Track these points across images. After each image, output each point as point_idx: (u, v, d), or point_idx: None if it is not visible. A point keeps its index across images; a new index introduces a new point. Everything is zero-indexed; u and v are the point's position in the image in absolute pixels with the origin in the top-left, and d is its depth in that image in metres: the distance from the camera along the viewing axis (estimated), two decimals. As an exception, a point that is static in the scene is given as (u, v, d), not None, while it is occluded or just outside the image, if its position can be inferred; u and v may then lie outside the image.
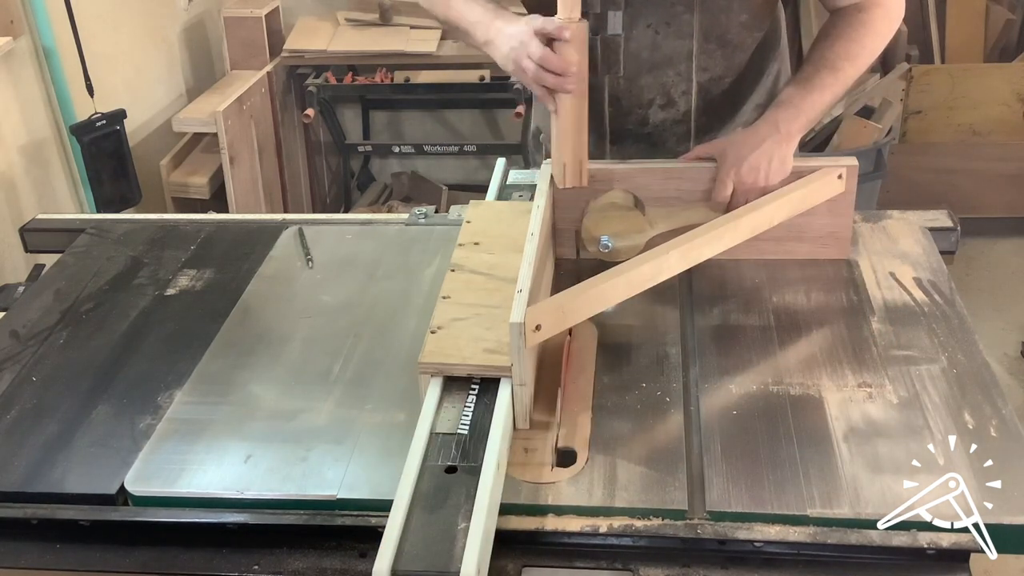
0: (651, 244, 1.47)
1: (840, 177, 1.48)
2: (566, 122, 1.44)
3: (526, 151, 3.74)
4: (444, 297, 1.34)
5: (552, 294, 1.40)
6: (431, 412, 1.19)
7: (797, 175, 1.48)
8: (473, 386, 1.23)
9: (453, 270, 1.40)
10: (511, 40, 1.41)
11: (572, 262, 1.58)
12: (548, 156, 1.66)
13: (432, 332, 1.27)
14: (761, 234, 1.48)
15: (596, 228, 1.50)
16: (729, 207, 1.48)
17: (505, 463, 1.15)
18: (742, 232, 1.45)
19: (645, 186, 1.52)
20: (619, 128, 1.65)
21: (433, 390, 1.22)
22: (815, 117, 1.51)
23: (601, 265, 1.40)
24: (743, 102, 1.65)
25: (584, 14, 1.50)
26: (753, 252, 1.51)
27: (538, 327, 1.20)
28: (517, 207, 1.56)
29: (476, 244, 1.46)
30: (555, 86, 1.38)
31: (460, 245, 1.46)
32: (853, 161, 1.49)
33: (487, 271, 1.39)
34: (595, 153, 1.69)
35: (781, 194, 1.47)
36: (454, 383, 1.23)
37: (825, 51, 1.51)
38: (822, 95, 1.49)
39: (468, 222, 1.53)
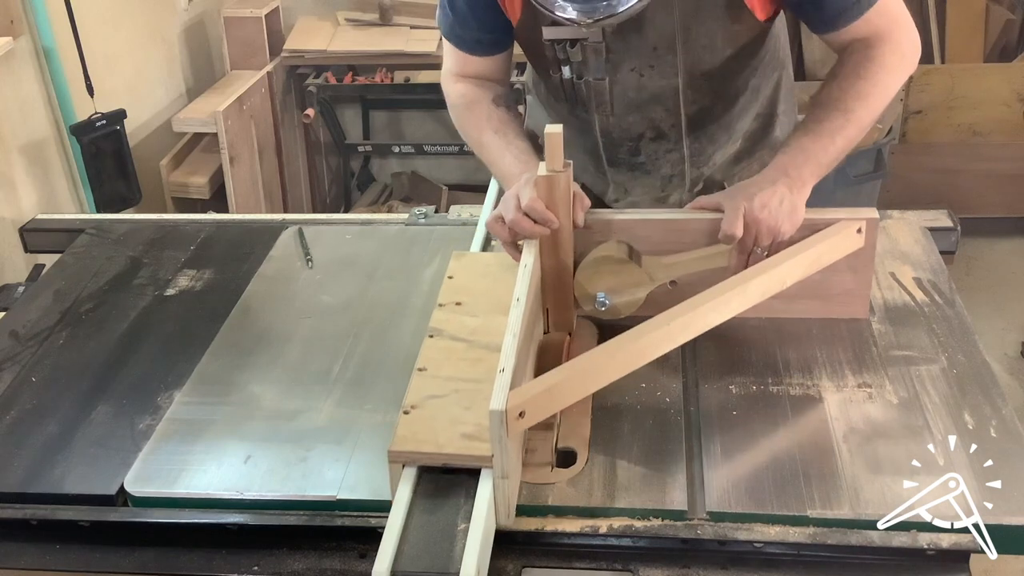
0: (651, 298, 1.36)
1: (859, 231, 1.34)
2: (549, 269, 1.35)
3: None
4: (420, 369, 1.23)
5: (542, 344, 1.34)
6: (402, 509, 1.06)
7: (812, 229, 1.33)
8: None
9: (431, 336, 1.30)
10: (501, 203, 1.37)
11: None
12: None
13: (405, 412, 1.15)
14: None
15: (590, 284, 1.37)
16: (738, 248, 1.32)
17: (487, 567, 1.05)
18: (751, 296, 1.29)
19: (645, 238, 1.37)
20: (613, 156, 1.63)
21: (405, 485, 1.09)
22: (828, 163, 1.36)
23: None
24: (737, 121, 1.61)
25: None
26: (761, 311, 1.34)
27: (522, 414, 1.07)
28: (504, 260, 1.40)
29: (458, 304, 1.36)
30: (529, 234, 1.32)
31: (440, 306, 1.36)
32: (873, 213, 1.35)
33: (468, 337, 1.28)
34: (594, 174, 1.68)
35: (794, 252, 1.31)
36: (429, 472, 1.12)
37: (833, 91, 1.39)
38: (832, 139, 1.36)
39: (450, 278, 1.42)
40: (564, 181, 1.29)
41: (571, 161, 1.30)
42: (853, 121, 1.36)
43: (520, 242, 1.33)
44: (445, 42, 1.60)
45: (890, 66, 1.38)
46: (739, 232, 1.29)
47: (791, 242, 1.32)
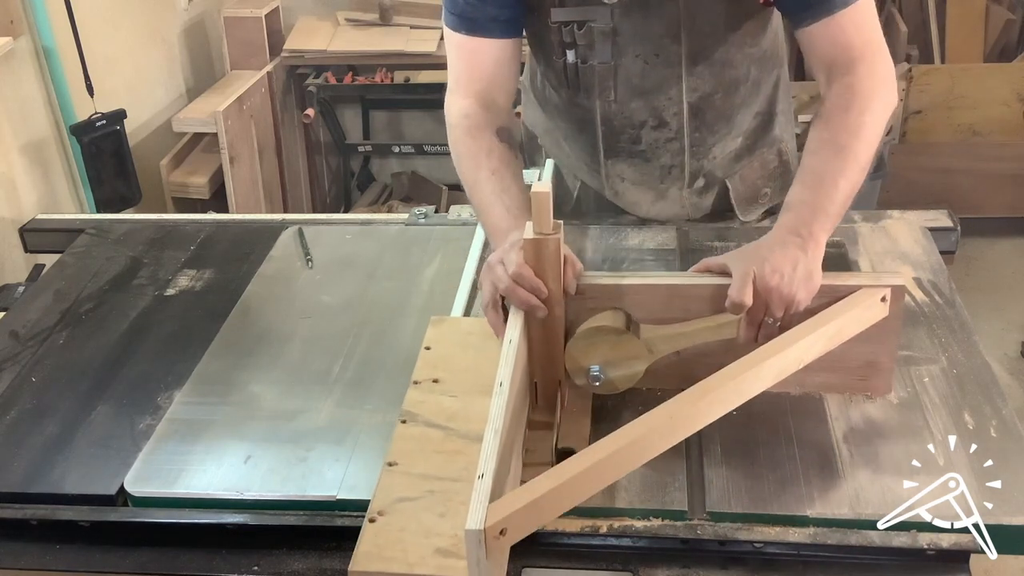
0: (652, 368, 1.24)
1: (884, 299, 1.21)
2: (537, 340, 1.23)
3: (524, 151, 3.73)
4: (390, 464, 1.12)
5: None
6: None
7: (831, 295, 1.20)
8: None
9: (404, 421, 1.18)
10: (486, 270, 1.28)
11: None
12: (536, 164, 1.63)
13: (371, 520, 1.04)
14: None
15: (584, 357, 1.23)
16: (748, 319, 1.19)
17: None
18: (765, 379, 1.15)
19: (644, 305, 1.24)
20: (612, 146, 1.63)
21: None
22: (836, 212, 1.25)
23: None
24: (737, 113, 1.62)
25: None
26: (778, 386, 1.19)
27: (503, 531, 0.94)
28: (486, 329, 1.27)
29: (435, 382, 1.25)
30: (522, 303, 1.20)
31: (415, 384, 1.25)
32: (900, 280, 1.22)
33: (446, 423, 1.17)
34: (591, 166, 1.67)
35: (811, 328, 1.18)
36: None
37: (823, 133, 1.32)
38: (835, 183, 1.25)
39: (427, 348, 1.31)
40: (553, 245, 1.16)
41: (561, 222, 1.17)
42: (850, 159, 1.27)
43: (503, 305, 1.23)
44: (452, 46, 1.49)
45: (869, 91, 1.33)
46: (748, 301, 1.16)
47: (807, 311, 1.19)
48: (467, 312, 1.46)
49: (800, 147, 1.38)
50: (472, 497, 0.93)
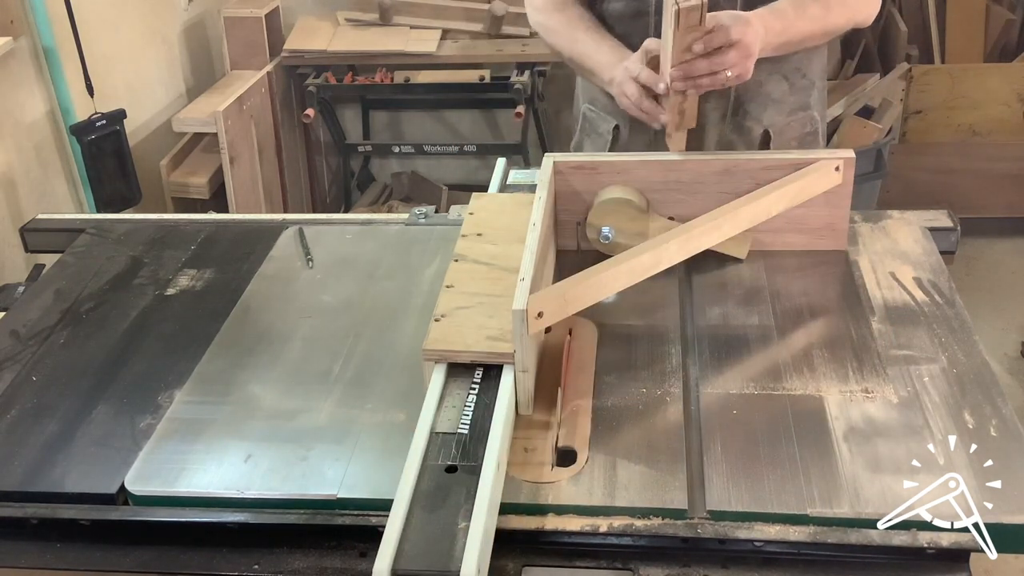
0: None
1: (837, 169, 1.51)
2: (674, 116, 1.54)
3: (526, 151, 3.74)
4: (448, 286, 1.35)
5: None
6: (435, 400, 1.20)
7: (795, 168, 1.51)
8: (476, 373, 1.24)
9: (456, 260, 1.41)
10: (615, 84, 1.59)
11: (573, 254, 1.60)
12: (592, 131, 1.76)
13: (436, 320, 1.28)
14: (759, 225, 1.51)
15: (602, 219, 1.54)
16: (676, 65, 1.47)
17: (505, 458, 1.15)
18: (741, 222, 1.48)
19: (645, 178, 1.54)
20: None
21: (437, 377, 1.23)
22: (791, 45, 1.59)
23: (602, 257, 1.41)
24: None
25: None
26: (752, 243, 1.55)
27: (540, 314, 1.22)
28: (520, 199, 1.59)
29: (479, 235, 1.48)
30: (649, 116, 1.55)
31: (463, 236, 1.48)
32: (850, 153, 1.52)
33: (489, 261, 1.41)
34: None
35: (779, 185, 1.49)
36: (457, 371, 1.25)
37: None
38: (811, 26, 1.58)
39: (471, 214, 1.55)
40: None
41: None
42: (827, 23, 1.60)
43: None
44: None
45: None
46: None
47: (774, 178, 1.51)
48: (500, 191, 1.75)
49: (830, 136, 1.51)
50: (516, 292, 1.22)
